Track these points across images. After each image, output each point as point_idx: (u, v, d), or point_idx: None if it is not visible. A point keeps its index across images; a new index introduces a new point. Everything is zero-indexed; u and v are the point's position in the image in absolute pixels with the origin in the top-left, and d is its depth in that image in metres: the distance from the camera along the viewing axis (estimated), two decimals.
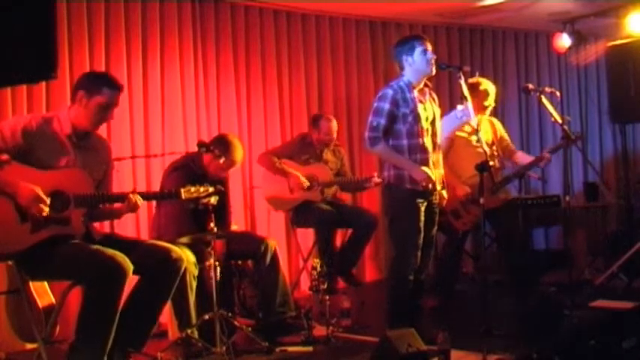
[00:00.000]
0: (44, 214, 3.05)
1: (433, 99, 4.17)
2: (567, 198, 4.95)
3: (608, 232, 6.88)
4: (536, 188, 7.00)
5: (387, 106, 3.93)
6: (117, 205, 3.39)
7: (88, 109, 3.26)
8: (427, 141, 4.01)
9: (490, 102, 4.91)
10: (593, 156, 7.56)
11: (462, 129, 4.83)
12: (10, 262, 3.35)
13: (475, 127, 4.32)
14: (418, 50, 3.96)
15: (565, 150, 4.82)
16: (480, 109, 4.80)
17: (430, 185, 3.92)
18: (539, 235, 7.17)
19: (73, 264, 3.16)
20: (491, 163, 4.23)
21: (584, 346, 3.68)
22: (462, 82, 4.09)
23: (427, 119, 4.02)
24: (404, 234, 4.01)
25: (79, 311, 3.22)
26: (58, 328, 3.50)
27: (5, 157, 3.08)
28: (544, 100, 4.67)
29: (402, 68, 4.05)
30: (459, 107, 4.81)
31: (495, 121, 5.15)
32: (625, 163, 7.21)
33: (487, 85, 4.92)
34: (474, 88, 4.76)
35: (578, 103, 7.60)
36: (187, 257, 3.68)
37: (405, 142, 3.96)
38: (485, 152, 4.17)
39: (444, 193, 4.18)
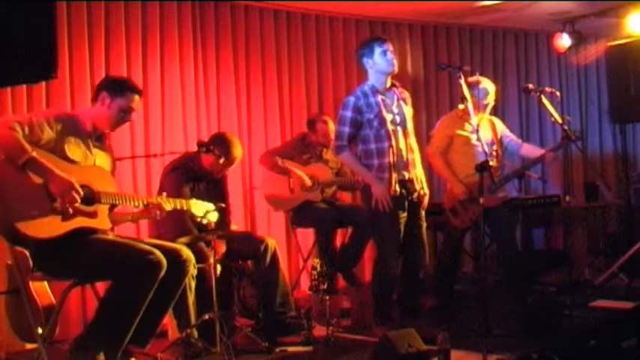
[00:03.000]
0: (76, 204, 3.07)
1: (403, 99, 4.22)
2: (567, 198, 4.95)
3: (608, 232, 6.88)
4: (536, 188, 7.00)
5: (349, 113, 4.07)
6: (140, 210, 3.46)
7: (111, 111, 3.35)
8: (397, 143, 4.08)
9: (490, 100, 4.92)
10: (593, 156, 7.56)
11: (462, 127, 4.83)
12: (9, 262, 3.35)
13: (475, 126, 4.32)
14: (378, 51, 4.06)
15: (565, 150, 4.82)
16: (479, 107, 4.81)
17: (385, 206, 4.01)
18: (539, 235, 7.16)
19: (110, 256, 3.18)
20: (490, 162, 4.24)
21: (584, 346, 3.69)
22: (462, 82, 4.12)
23: (393, 122, 4.09)
24: (383, 235, 4.13)
25: (101, 304, 3.25)
26: (58, 328, 3.50)
27: None
28: (544, 100, 4.67)
29: (365, 71, 4.15)
30: (460, 107, 4.82)
31: (496, 120, 5.15)
32: (625, 163, 7.22)
33: (486, 83, 4.93)
34: (472, 86, 4.77)
35: (578, 103, 7.59)
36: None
37: (373, 146, 4.08)
38: (484, 152, 4.18)
39: (425, 189, 4.24)
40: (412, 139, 4.20)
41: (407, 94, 4.28)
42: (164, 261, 3.20)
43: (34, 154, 3.00)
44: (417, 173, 4.21)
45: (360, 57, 4.14)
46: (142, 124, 5.08)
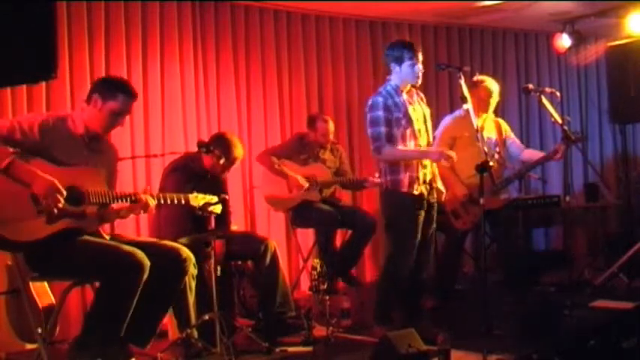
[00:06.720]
0: (60, 205, 3.05)
1: (421, 99, 4.24)
2: (567, 198, 4.94)
3: (608, 232, 6.88)
4: (536, 188, 7.00)
5: (381, 113, 4.02)
6: (127, 205, 3.40)
7: (102, 113, 3.30)
8: (421, 142, 4.09)
9: (494, 100, 4.91)
10: (593, 156, 7.55)
11: (466, 128, 4.82)
12: (9, 262, 3.35)
13: (477, 127, 4.32)
14: (407, 62, 4.02)
15: (565, 150, 4.82)
16: (483, 107, 4.80)
17: (445, 160, 4.02)
18: (539, 235, 7.16)
19: (91, 258, 3.16)
20: (491, 163, 4.24)
21: (584, 346, 3.68)
22: (462, 82, 4.12)
23: (418, 120, 4.11)
24: (402, 233, 4.10)
25: (91, 307, 3.25)
26: (58, 328, 3.50)
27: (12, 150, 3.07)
28: (544, 100, 4.67)
29: (389, 72, 4.12)
30: (465, 106, 4.81)
31: (501, 121, 5.14)
32: (625, 164, 7.21)
33: (490, 83, 4.92)
34: (476, 86, 4.76)
35: (578, 103, 7.59)
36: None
37: (399, 145, 4.03)
38: (485, 152, 4.18)
39: (440, 186, 4.23)
40: (431, 139, 4.23)
41: (422, 95, 4.28)
42: (146, 262, 3.16)
43: (15, 157, 2.99)
44: (435, 172, 4.22)
45: (387, 57, 4.11)
46: (142, 124, 5.08)
